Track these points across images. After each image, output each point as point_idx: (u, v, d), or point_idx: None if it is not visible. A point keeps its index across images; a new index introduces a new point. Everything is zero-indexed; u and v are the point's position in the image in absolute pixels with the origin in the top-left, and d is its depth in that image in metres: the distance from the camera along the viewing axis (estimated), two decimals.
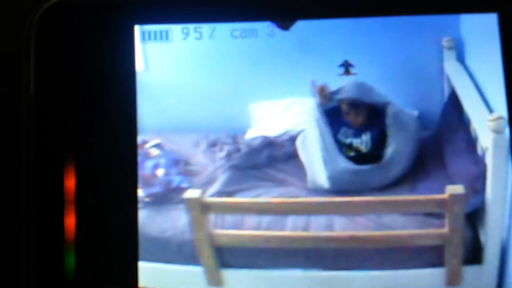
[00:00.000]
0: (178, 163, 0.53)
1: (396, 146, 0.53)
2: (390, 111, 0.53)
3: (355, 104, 0.54)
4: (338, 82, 0.51)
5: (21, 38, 0.42)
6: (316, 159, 0.53)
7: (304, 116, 0.55)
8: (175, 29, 0.47)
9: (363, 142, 0.54)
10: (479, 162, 0.49)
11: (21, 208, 0.41)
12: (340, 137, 0.54)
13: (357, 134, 0.54)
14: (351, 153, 0.54)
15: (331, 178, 0.52)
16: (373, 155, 0.53)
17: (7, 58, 0.45)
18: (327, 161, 0.53)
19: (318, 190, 0.52)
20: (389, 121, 0.54)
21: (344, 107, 0.54)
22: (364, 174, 0.52)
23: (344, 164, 0.53)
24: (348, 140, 0.54)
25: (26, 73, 0.42)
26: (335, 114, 0.54)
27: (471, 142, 0.51)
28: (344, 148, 0.54)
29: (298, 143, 0.54)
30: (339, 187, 0.51)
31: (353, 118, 0.54)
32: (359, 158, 0.53)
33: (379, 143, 0.54)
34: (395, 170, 0.52)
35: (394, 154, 0.53)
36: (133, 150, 0.44)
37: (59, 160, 0.42)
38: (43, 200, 0.42)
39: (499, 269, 0.46)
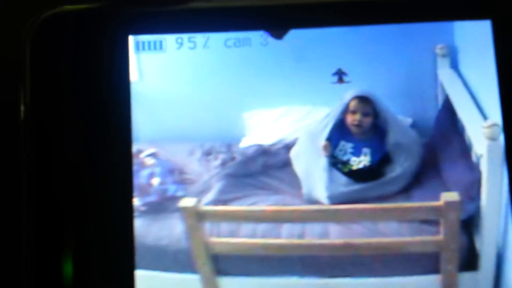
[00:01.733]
0: (173, 172, 0.53)
1: (401, 170, 0.53)
2: (390, 139, 0.54)
3: (364, 99, 0.53)
4: (331, 90, 0.51)
5: (16, 49, 0.42)
6: (316, 178, 0.53)
7: (298, 124, 0.55)
8: (169, 39, 0.47)
9: (361, 161, 0.53)
10: (474, 169, 0.49)
11: (19, 216, 0.41)
12: (338, 152, 0.54)
13: (357, 148, 0.54)
14: (346, 169, 0.54)
15: (330, 197, 0.52)
16: (373, 172, 0.53)
17: (2, 70, 0.45)
18: (328, 184, 0.53)
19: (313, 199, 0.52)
20: (390, 147, 0.54)
21: (352, 105, 0.54)
22: (365, 191, 0.52)
23: (344, 182, 0.53)
24: (345, 157, 0.54)
25: (22, 84, 0.42)
26: (336, 127, 0.55)
27: (465, 149, 0.51)
28: (339, 164, 0.54)
29: (293, 155, 0.54)
30: (337, 202, 0.51)
31: (359, 119, 0.54)
32: (357, 173, 0.53)
33: (380, 163, 0.54)
34: (396, 187, 0.52)
35: (398, 176, 0.53)
36: (129, 159, 0.44)
37: (55, 169, 0.42)
38: (40, 208, 0.42)
39: (495, 276, 0.46)
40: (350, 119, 0.54)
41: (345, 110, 0.54)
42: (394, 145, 0.54)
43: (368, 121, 0.54)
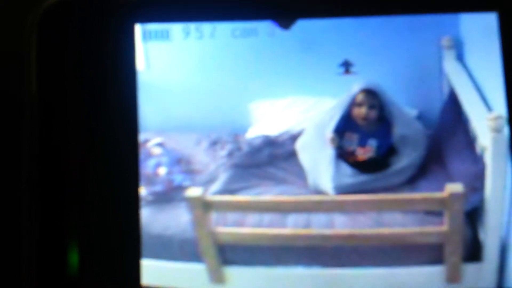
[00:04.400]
0: (179, 161, 0.53)
1: (407, 161, 0.53)
2: (396, 132, 0.54)
3: (371, 93, 0.53)
4: (338, 81, 0.51)
5: (23, 37, 0.42)
6: (321, 169, 0.53)
7: (304, 115, 0.55)
8: (176, 29, 0.47)
9: (367, 152, 0.53)
10: (478, 161, 0.49)
11: (23, 205, 0.41)
12: (344, 143, 0.54)
13: (363, 139, 0.54)
14: (352, 160, 0.54)
15: (336, 188, 0.52)
16: (379, 163, 0.53)
17: (9, 58, 0.44)
18: (334, 175, 0.53)
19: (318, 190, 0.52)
20: (396, 139, 0.54)
21: (359, 98, 0.54)
22: (370, 182, 0.52)
23: (350, 173, 0.53)
24: (351, 148, 0.54)
25: (27, 73, 0.42)
26: (343, 118, 0.55)
27: (470, 141, 0.51)
28: (346, 155, 0.54)
29: (299, 146, 0.55)
30: (343, 193, 0.52)
31: (365, 112, 0.54)
32: (363, 164, 0.53)
33: (386, 154, 0.54)
34: (401, 178, 0.52)
35: (403, 167, 0.53)
36: (135, 148, 0.43)
37: (61, 158, 0.42)
38: (45, 197, 0.42)
39: (499, 267, 0.46)
40: (356, 111, 0.54)
41: (352, 103, 0.54)
42: (399, 137, 0.54)
43: (374, 113, 0.54)
